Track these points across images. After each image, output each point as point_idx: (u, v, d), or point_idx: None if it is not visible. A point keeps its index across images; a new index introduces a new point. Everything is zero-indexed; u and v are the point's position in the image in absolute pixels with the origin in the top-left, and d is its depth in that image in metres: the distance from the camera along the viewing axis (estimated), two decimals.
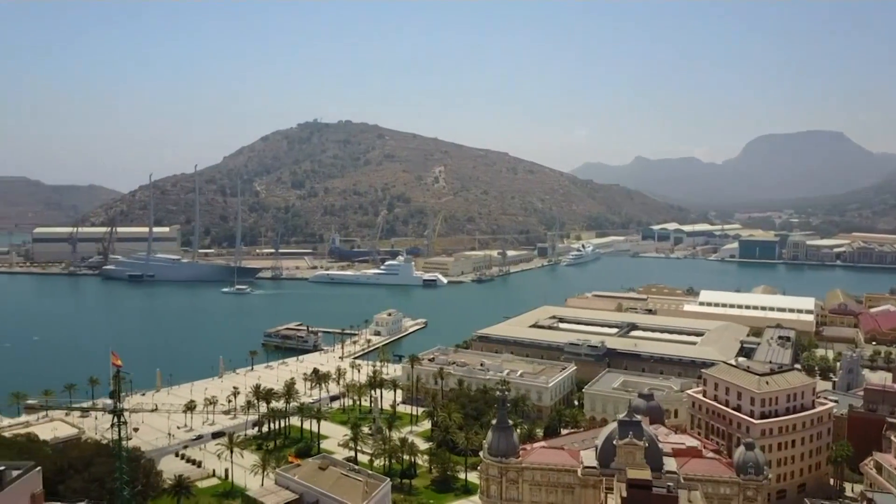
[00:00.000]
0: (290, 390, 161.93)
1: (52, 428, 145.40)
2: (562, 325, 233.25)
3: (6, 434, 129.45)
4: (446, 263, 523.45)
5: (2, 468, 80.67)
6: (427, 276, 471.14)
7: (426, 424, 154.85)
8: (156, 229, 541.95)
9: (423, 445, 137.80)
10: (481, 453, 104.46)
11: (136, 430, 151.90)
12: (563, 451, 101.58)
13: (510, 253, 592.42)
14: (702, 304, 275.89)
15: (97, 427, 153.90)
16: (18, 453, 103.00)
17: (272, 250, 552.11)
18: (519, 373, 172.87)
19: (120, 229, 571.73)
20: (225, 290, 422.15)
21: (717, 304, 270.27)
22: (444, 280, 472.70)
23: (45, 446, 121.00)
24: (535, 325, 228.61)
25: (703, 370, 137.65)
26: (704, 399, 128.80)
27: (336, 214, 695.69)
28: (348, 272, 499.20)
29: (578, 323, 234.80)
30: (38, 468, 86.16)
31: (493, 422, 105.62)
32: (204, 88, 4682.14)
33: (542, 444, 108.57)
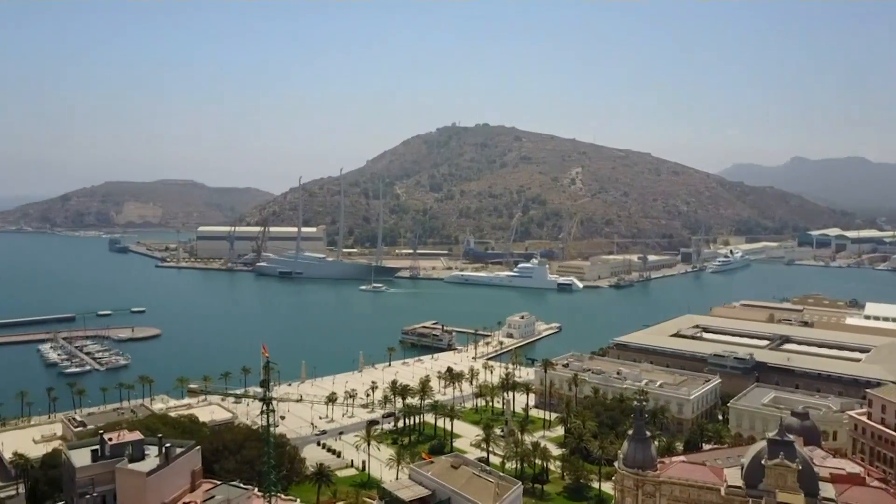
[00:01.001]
0: (424, 387, 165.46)
1: (209, 411, 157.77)
2: (706, 336, 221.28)
3: (172, 414, 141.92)
4: (582, 267, 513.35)
5: (168, 445, 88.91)
6: (562, 279, 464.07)
7: (559, 430, 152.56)
8: (304, 229, 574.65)
9: (555, 451, 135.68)
10: (616, 463, 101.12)
11: (282, 417, 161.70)
12: (704, 467, 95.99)
13: (651, 258, 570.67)
14: (867, 317, 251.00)
15: (248, 413, 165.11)
16: (182, 433, 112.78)
17: (410, 251, 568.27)
18: (658, 383, 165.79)
19: (272, 229, 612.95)
20: (362, 287, 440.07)
21: (886, 319, 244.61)
22: (580, 284, 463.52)
23: (204, 428, 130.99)
24: (676, 335, 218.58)
25: (868, 390, 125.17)
26: (869, 422, 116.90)
27: (471, 217, 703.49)
28: (482, 273, 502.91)
29: (724, 333, 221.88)
30: (198, 447, 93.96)
31: (630, 432, 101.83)
32: (351, 96, 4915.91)
33: (682, 458, 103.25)
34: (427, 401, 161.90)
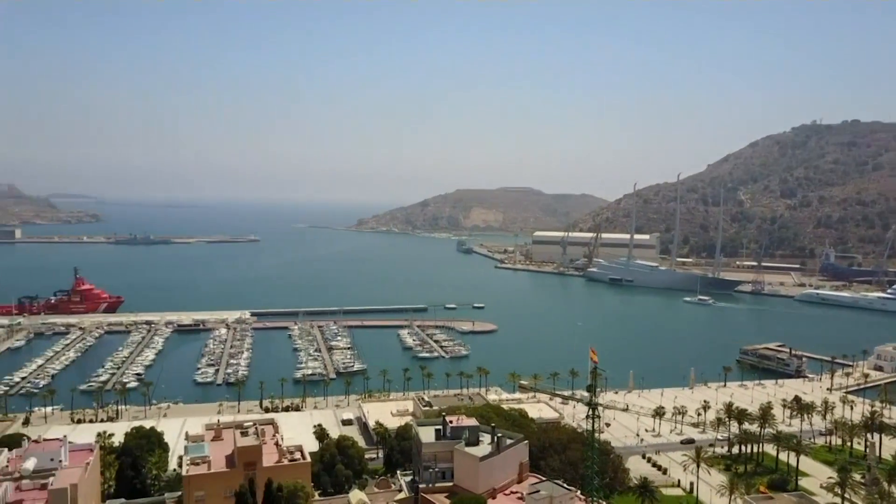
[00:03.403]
0: (765, 414, 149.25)
1: (537, 409, 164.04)
2: None
3: (504, 406, 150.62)
4: None
5: (499, 435, 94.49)
6: None
7: None
8: (636, 236, 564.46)
9: None
10: None
11: (607, 425, 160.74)
12: None
13: None
14: None
15: (574, 415, 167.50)
16: (512, 425, 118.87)
17: (754, 263, 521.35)
18: None
19: (604, 235, 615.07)
20: (686, 299, 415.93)
21: None
22: None
23: (532, 424, 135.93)
24: None
25: None
26: None
27: (832, 227, 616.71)
28: (844, 293, 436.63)
29: None
30: (526, 441, 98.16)
31: None
32: (692, 97, 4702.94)
33: None
34: (768, 429, 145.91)
